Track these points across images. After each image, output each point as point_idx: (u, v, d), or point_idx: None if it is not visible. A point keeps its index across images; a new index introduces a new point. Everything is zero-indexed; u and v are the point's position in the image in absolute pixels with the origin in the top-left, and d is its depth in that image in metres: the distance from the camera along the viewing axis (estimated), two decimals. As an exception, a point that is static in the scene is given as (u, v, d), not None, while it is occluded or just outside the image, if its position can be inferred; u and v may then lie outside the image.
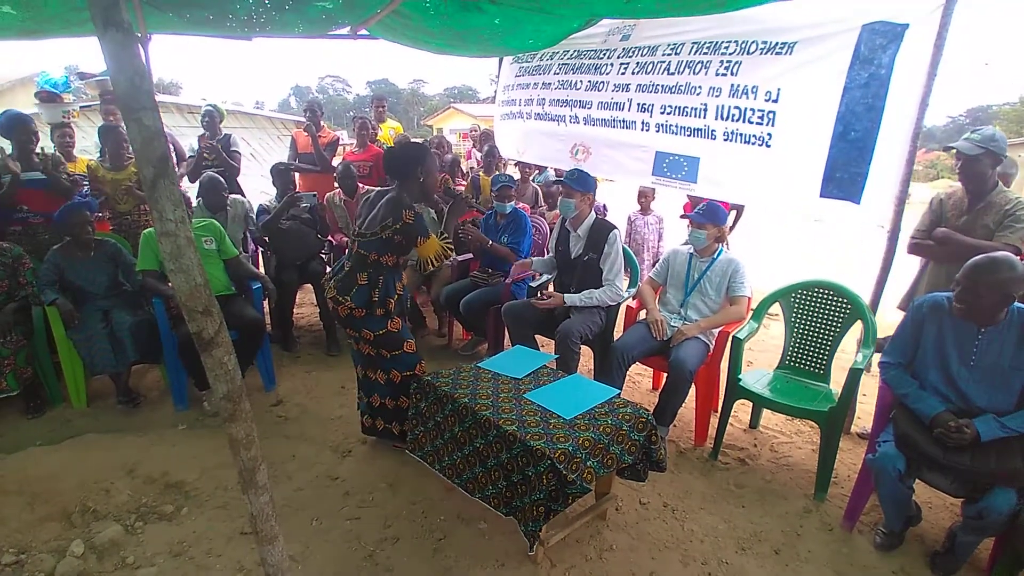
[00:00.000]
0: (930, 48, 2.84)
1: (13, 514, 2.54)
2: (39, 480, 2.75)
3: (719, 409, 3.20)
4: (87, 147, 4.69)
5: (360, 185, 4.86)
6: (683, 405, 3.16)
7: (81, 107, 5.26)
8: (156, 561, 2.33)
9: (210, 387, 3.39)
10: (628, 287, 3.82)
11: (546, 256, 3.81)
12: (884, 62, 3.02)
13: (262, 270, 4.34)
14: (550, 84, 4.84)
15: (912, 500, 2.38)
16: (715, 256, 3.25)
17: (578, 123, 4.61)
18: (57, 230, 3.54)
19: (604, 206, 5.47)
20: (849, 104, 3.15)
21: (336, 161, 5.62)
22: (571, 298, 3.40)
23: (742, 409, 3.44)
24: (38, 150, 3.91)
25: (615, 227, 3.46)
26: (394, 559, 2.35)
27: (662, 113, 3.96)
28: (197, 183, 4.38)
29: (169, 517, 2.59)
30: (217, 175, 4.17)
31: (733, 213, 5.14)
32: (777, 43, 3.38)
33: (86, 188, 4.12)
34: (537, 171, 5.80)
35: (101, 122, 4.88)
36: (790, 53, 3.33)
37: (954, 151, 2.97)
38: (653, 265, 4.96)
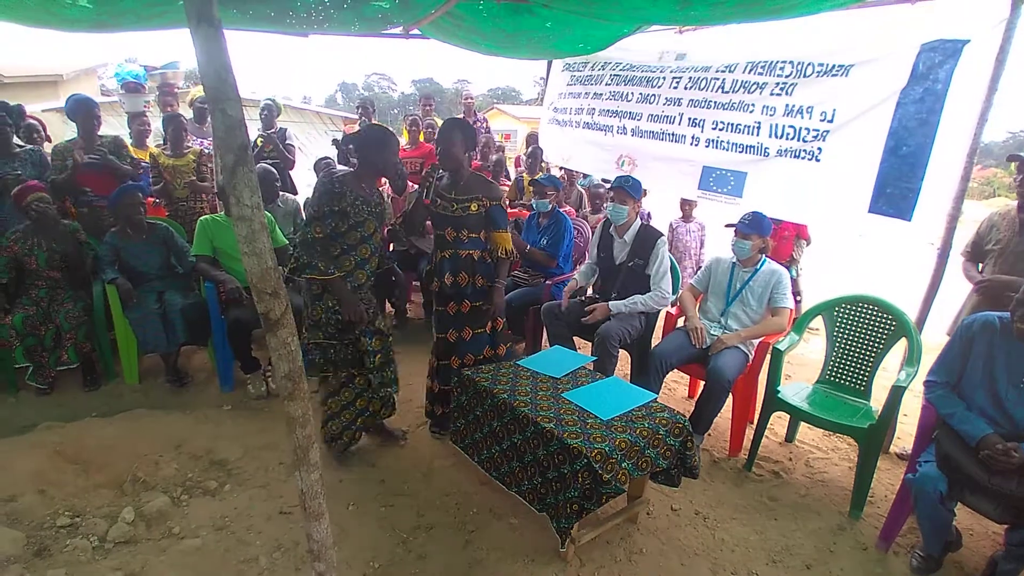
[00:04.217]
0: (991, 63, 2.78)
1: (70, 480, 2.68)
2: (94, 449, 2.89)
3: (755, 420, 3.17)
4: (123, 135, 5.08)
5: (409, 184, 4.94)
6: (719, 414, 3.15)
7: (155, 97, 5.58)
8: (200, 533, 2.43)
9: (255, 370, 3.55)
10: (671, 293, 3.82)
11: (586, 262, 3.82)
12: (941, 77, 2.97)
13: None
14: (601, 94, 4.88)
15: (953, 524, 2.33)
16: (758, 266, 3.22)
17: (626, 134, 4.64)
18: (111, 212, 3.71)
19: (648, 213, 5.46)
20: (902, 119, 3.10)
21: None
22: (616, 305, 3.40)
23: (778, 422, 3.40)
24: (101, 133, 4.10)
25: (662, 234, 3.46)
26: (427, 547, 2.40)
27: (714, 129, 3.97)
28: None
29: (213, 493, 2.70)
30: (271, 167, 4.32)
31: (804, 244, 5.10)
32: (834, 65, 3.36)
33: (143, 172, 4.30)
34: (581, 175, 5.83)
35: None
36: (846, 75, 3.31)
37: None
38: (694, 272, 4.93)
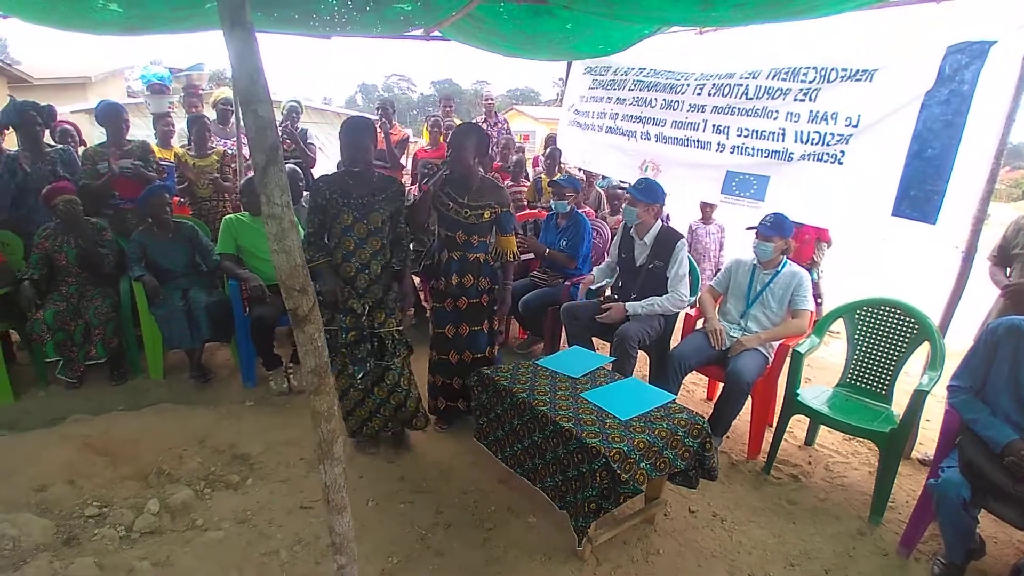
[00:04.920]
0: (1019, 63, 2.74)
1: (98, 471, 2.75)
2: (121, 442, 2.96)
3: (774, 423, 3.16)
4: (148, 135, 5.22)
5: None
6: (737, 417, 3.13)
7: (179, 99, 5.72)
8: (223, 526, 2.48)
9: (277, 367, 3.60)
10: (689, 295, 3.81)
11: (606, 261, 3.82)
12: (967, 79, 2.93)
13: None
14: (624, 99, 4.89)
15: (976, 532, 2.30)
16: (779, 268, 3.21)
17: (649, 140, 4.66)
18: (140, 211, 3.81)
19: (667, 215, 5.45)
20: (927, 121, 3.07)
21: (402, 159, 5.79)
22: (633, 307, 3.40)
23: (798, 425, 3.38)
24: (129, 138, 4.19)
25: (682, 236, 3.45)
26: (445, 544, 2.43)
27: (739, 135, 3.96)
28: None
29: (235, 486, 2.75)
30: (295, 167, 4.38)
31: (825, 246, 5.07)
32: (858, 70, 3.33)
33: (167, 175, 4.39)
34: (600, 176, 5.84)
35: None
36: (871, 80, 3.28)
37: None
38: (714, 274, 4.91)
